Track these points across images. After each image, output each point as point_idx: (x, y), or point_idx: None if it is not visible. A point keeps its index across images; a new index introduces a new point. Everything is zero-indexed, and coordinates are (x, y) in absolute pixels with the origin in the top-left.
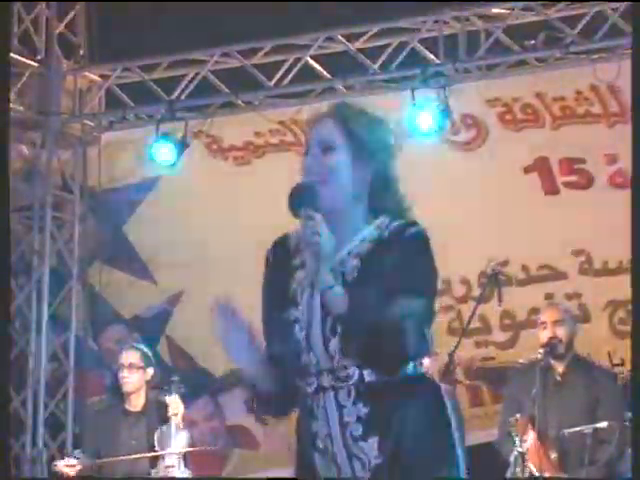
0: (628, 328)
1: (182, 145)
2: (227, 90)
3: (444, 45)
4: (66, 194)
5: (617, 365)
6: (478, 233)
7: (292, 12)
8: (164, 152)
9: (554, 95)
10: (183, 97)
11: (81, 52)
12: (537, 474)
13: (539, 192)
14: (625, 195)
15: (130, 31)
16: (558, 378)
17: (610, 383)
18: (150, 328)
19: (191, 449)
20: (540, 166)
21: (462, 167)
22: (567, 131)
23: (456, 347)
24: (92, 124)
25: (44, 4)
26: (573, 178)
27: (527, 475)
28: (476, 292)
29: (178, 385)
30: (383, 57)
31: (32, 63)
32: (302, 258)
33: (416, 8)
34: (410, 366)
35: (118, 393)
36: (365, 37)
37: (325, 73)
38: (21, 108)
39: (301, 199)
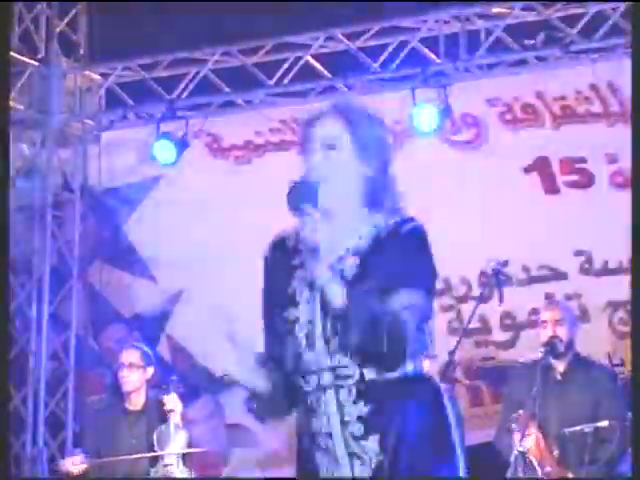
0: (628, 328)
1: (182, 144)
2: (227, 89)
3: (444, 44)
4: (66, 193)
5: (617, 365)
6: (478, 233)
7: (292, 11)
8: (164, 151)
9: (554, 94)
10: (184, 96)
11: (81, 51)
12: (538, 469)
13: (539, 191)
14: (626, 195)
15: (130, 30)
16: (559, 377)
17: (611, 382)
18: (150, 327)
19: (192, 450)
20: (540, 165)
21: (462, 167)
22: (567, 130)
23: (456, 347)
24: (92, 123)
25: (45, 3)
26: (573, 177)
27: (528, 474)
28: (476, 292)
29: (177, 384)
30: (383, 56)
31: (32, 62)
32: (301, 258)
33: (416, 7)
34: (410, 366)
35: (118, 392)
36: (366, 36)
37: (325, 72)
38: (21, 107)
39: (300, 196)
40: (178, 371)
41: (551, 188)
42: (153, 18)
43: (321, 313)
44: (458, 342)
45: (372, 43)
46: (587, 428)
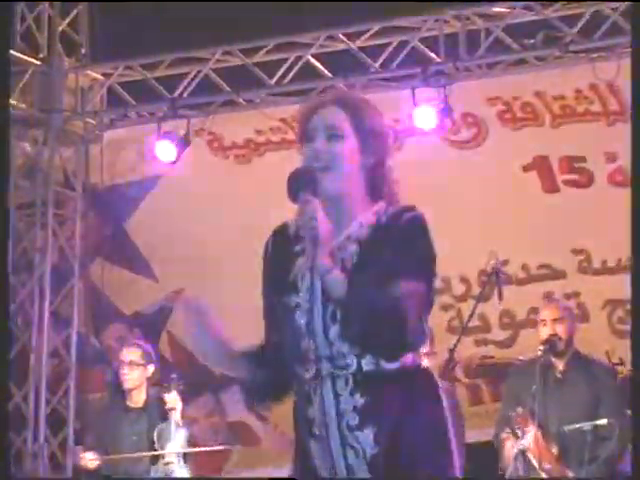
0: (627, 327)
1: (184, 143)
2: (228, 88)
3: (444, 44)
4: (68, 191)
5: (616, 364)
6: (478, 232)
7: (293, 11)
8: (166, 150)
9: (554, 94)
10: (185, 95)
11: (83, 50)
12: (538, 467)
13: (539, 190)
14: (625, 193)
15: (132, 29)
16: (558, 375)
17: (610, 380)
18: (151, 324)
19: (193, 450)
20: (540, 164)
21: (462, 165)
22: (567, 130)
23: (456, 345)
24: (94, 122)
25: (47, 3)
26: (573, 176)
27: (527, 472)
28: (476, 291)
29: (177, 382)
30: (384, 56)
31: (35, 61)
32: (303, 245)
33: (417, 7)
34: (409, 357)
35: (119, 390)
36: (366, 36)
37: (326, 72)
38: (23, 106)
39: (300, 184)
40: (178, 369)
41: (550, 187)
42: (154, 18)
43: (321, 300)
44: (458, 340)
45: (372, 43)
46: (587, 426)
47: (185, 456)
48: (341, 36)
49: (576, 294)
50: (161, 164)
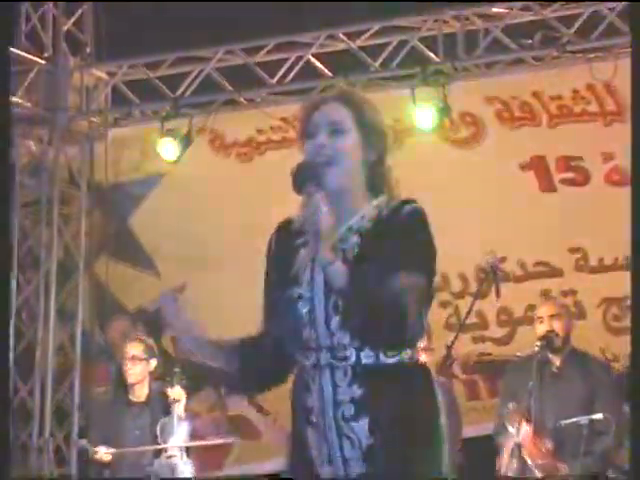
0: (621, 325)
1: (186, 141)
2: (230, 87)
3: (443, 44)
4: (73, 189)
5: (610, 361)
6: (476, 229)
7: (294, 11)
8: (169, 148)
9: (551, 94)
10: (187, 94)
11: (88, 50)
12: (531, 463)
13: (536, 189)
14: (621, 193)
15: (136, 29)
16: (555, 371)
17: (606, 376)
18: (154, 320)
19: (195, 443)
20: (537, 164)
21: (461, 164)
22: (564, 129)
23: (453, 341)
24: (98, 120)
25: (51, 2)
26: (570, 175)
27: (522, 465)
28: (473, 288)
29: (180, 376)
30: (384, 55)
31: (40, 60)
32: (305, 238)
33: (416, 7)
34: (407, 352)
35: (122, 384)
36: (366, 35)
37: (326, 71)
38: (29, 104)
39: (305, 177)
40: (181, 364)
41: (548, 186)
42: (158, 18)
43: (323, 291)
44: (455, 337)
45: (372, 42)
46: (583, 420)
47: (188, 450)
48: (341, 36)
49: (573, 292)
50: (164, 162)
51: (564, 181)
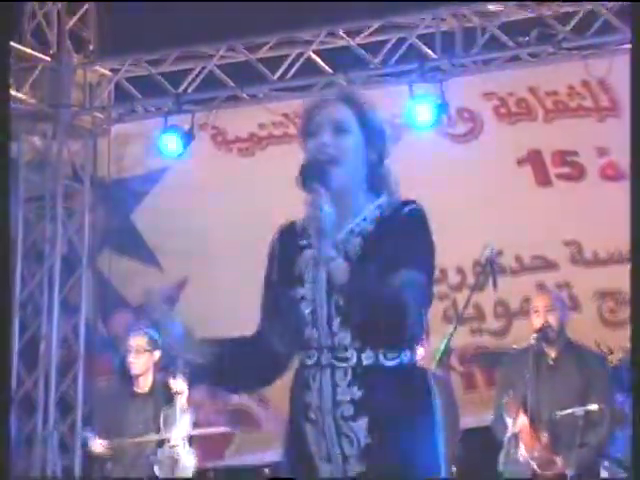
0: (616, 317)
1: (188, 137)
2: (232, 84)
3: (441, 41)
4: (76, 184)
5: (605, 354)
6: (473, 223)
7: (295, 8)
8: (171, 144)
9: (547, 89)
10: (190, 90)
11: (91, 47)
12: (527, 454)
13: (532, 183)
14: (616, 187)
15: (138, 26)
16: (551, 362)
17: (601, 367)
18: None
19: (197, 432)
20: (533, 158)
21: (458, 159)
22: (559, 124)
23: (452, 333)
24: (102, 116)
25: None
26: (565, 170)
27: (519, 456)
28: (471, 281)
29: (183, 368)
30: (383, 52)
31: (44, 57)
32: (309, 239)
33: (414, 5)
34: (407, 354)
35: (126, 375)
36: (365, 33)
37: (327, 67)
38: (33, 101)
39: (311, 175)
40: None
41: (543, 180)
42: (160, 15)
43: (326, 292)
44: (454, 329)
45: (372, 39)
46: (578, 411)
47: (190, 440)
48: (341, 33)
49: (568, 285)
50: (167, 158)
51: (560, 176)
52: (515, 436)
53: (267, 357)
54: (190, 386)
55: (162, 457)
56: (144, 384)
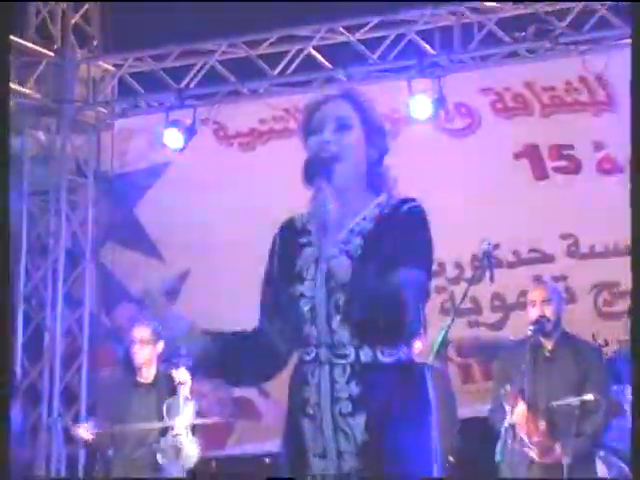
0: (612, 310)
1: (190, 131)
2: (233, 79)
3: (439, 37)
4: (80, 178)
5: (601, 346)
6: (471, 217)
7: (295, 5)
8: (173, 138)
9: (544, 85)
10: (192, 85)
11: (95, 42)
12: (527, 441)
13: (529, 177)
14: (612, 181)
15: (141, 23)
16: (547, 354)
17: (597, 358)
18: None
19: (198, 421)
20: (530, 152)
21: (456, 153)
22: (556, 119)
23: (449, 326)
24: (105, 111)
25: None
26: (562, 164)
27: (517, 445)
28: (468, 274)
29: (186, 359)
30: (382, 48)
31: (49, 53)
32: (309, 237)
33: (413, 2)
34: (405, 350)
35: (130, 366)
36: (365, 29)
37: (326, 63)
38: (37, 95)
39: (316, 171)
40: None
41: (540, 174)
42: (163, 12)
43: (326, 289)
44: (452, 321)
45: (371, 35)
46: (574, 401)
47: (193, 429)
48: (341, 29)
49: (564, 277)
50: (169, 152)
51: (556, 169)
52: (512, 426)
53: (267, 352)
54: (193, 377)
55: (165, 446)
56: (147, 374)
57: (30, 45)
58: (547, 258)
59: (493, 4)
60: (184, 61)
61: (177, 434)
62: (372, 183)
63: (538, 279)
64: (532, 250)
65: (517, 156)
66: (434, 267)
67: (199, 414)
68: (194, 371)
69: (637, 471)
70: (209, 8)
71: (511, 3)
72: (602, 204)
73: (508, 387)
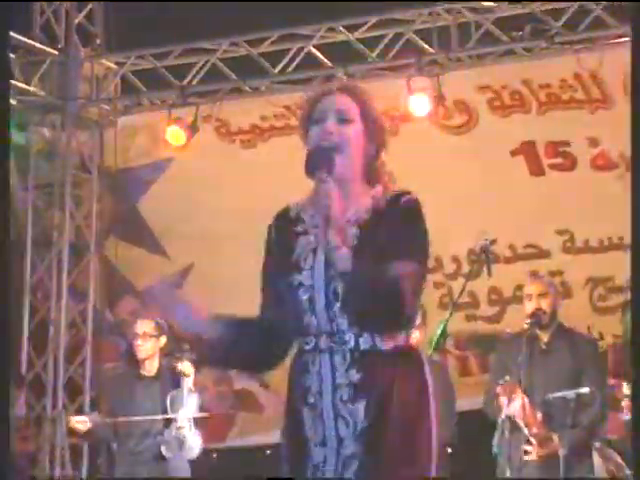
0: (607, 304)
1: (193, 129)
2: (235, 77)
3: (437, 36)
4: (84, 174)
5: (596, 340)
6: (468, 213)
7: (296, 5)
8: (176, 135)
9: (540, 82)
10: (194, 83)
11: (98, 41)
12: (526, 430)
13: (526, 174)
14: (607, 176)
15: (144, 21)
16: (543, 347)
17: (592, 351)
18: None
19: (201, 415)
20: (527, 149)
21: (453, 150)
22: (552, 116)
23: (448, 319)
24: (108, 108)
25: None
26: (557, 160)
27: (514, 436)
28: (466, 269)
29: (189, 352)
30: (381, 47)
31: (53, 51)
32: (305, 225)
33: (411, 1)
34: (403, 337)
35: (133, 359)
36: (364, 28)
37: (327, 61)
38: (42, 93)
39: (317, 162)
40: (189, 339)
41: (536, 170)
42: (165, 11)
43: (324, 278)
44: (450, 314)
45: (370, 34)
46: (570, 394)
47: (196, 421)
48: (341, 28)
49: (560, 272)
50: (171, 148)
51: (552, 166)
52: (509, 418)
53: (269, 341)
54: (196, 369)
55: (169, 438)
56: (150, 368)
57: (35, 44)
58: (543, 253)
59: (490, 4)
60: (186, 59)
61: (180, 426)
62: (368, 176)
63: (534, 274)
64: (528, 245)
65: (514, 153)
66: (432, 263)
67: (201, 407)
68: (198, 357)
69: (637, 469)
70: (211, 7)
71: (508, 3)
72: (597, 199)
73: (508, 378)
